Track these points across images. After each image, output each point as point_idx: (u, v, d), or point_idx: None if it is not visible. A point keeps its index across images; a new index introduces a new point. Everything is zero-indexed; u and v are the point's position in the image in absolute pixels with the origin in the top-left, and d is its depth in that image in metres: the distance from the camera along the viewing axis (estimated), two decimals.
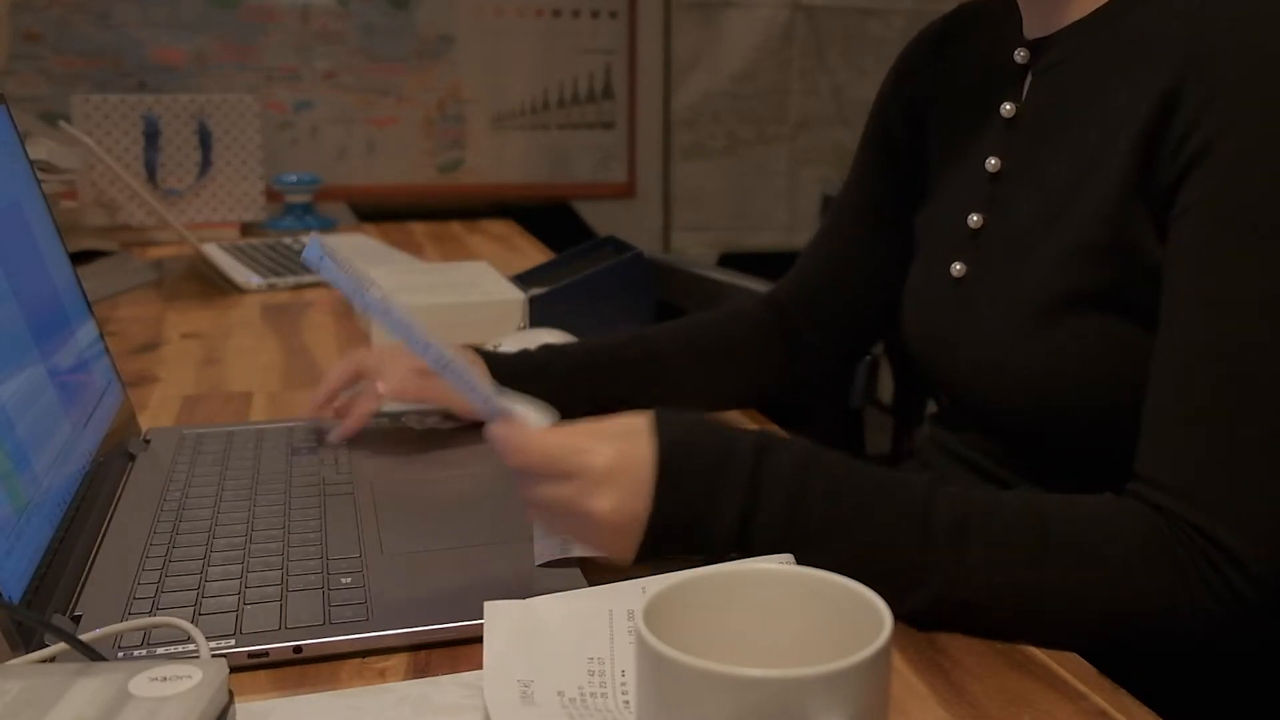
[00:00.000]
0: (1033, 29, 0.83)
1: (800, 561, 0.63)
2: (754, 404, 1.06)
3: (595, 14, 2.86)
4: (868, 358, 1.28)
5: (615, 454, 0.66)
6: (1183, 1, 0.72)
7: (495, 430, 0.68)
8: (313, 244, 0.65)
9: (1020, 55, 0.83)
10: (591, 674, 0.57)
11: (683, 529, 0.67)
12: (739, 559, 0.64)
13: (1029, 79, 0.83)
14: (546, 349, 0.99)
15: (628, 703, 0.55)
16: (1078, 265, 0.74)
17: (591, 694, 0.55)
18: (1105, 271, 0.73)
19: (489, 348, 1.01)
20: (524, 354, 0.98)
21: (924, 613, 0.65)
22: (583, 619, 0.60)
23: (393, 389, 0.91)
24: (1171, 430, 0.66)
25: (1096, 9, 0.78)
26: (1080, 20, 0.79)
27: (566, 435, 0.67)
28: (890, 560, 0.65)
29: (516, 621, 0.60)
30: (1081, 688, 0.60)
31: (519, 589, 0.65)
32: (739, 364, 1.05)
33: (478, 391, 0.67)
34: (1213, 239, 0.66)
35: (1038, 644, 0.65)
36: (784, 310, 1.05)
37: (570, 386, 0.97)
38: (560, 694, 0.55)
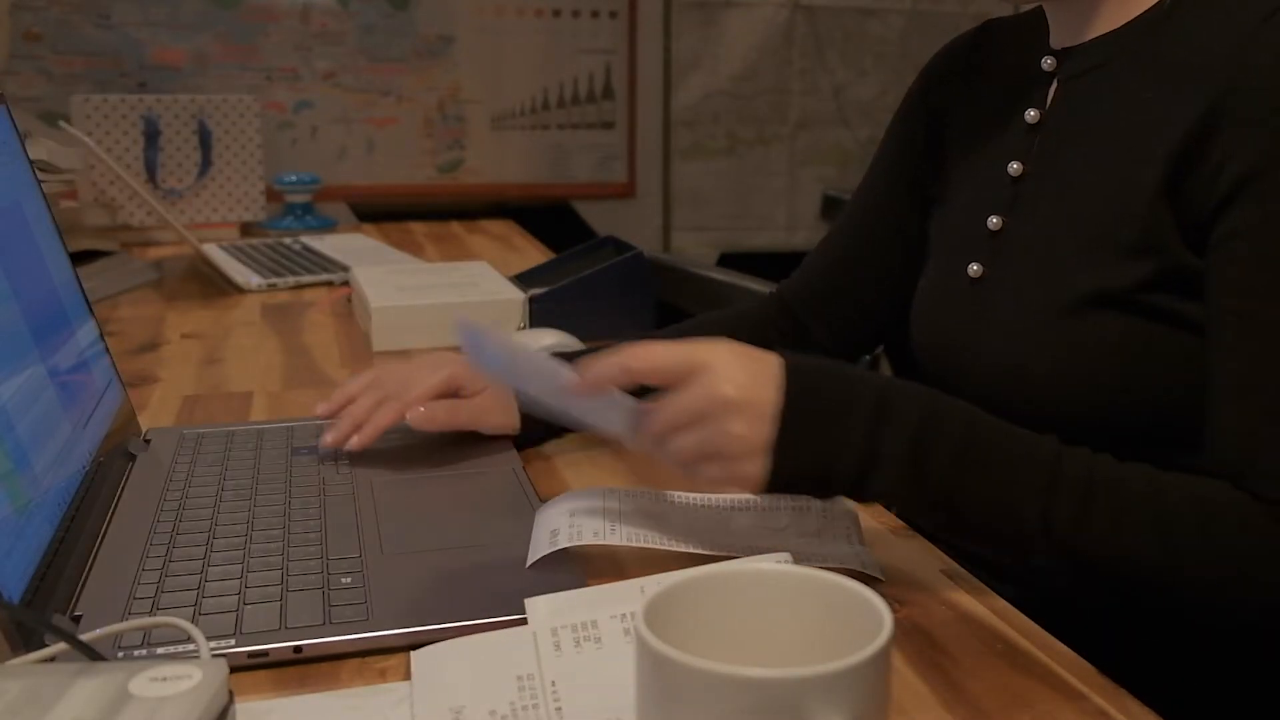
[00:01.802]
0: (1060, 38, 0.84)
1: (920, 499, 0.67)
2: None
3: (595, 14, 2.86)
4: (866, 358, 1.28)
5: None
6: (1222, 24, 0.72)
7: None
8: (465, 331, 0.70)
9: (1047, 63, 0.84)
10: (521, 689, 0.57)
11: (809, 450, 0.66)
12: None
13: (1054, 86, 0.83)
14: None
15: (559, 709, 0.56)
16: (1101, 262, 0.75)
17: (523, 707, 0.56)
18: (1128, 270, 0.74)
19: None
20: None
21: (1039, 566, 0.68)
22: (506, 646, 0.61)
23: (420, 419, 0.89)
24: (1246, 425, 0.68)
25: (1128, 21, 0.79)
26: (1111, 31, 0.80)
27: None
28: (1014, 508, 0.67)
29: (444, 661, 0.60)
30: (1081, 688, 0.60)
31: (518, 589, 0.65)
32: None
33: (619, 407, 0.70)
34: (1262, 266, 0.68)
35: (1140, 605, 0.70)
36: (791, 309, 1.05)
37: None
38: (492, 713, 0.56)
